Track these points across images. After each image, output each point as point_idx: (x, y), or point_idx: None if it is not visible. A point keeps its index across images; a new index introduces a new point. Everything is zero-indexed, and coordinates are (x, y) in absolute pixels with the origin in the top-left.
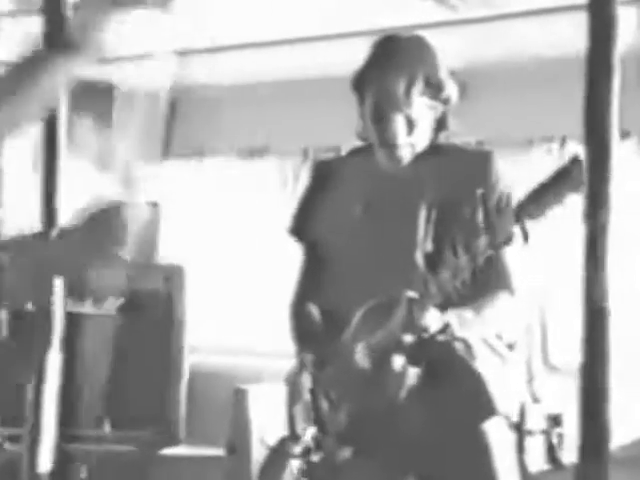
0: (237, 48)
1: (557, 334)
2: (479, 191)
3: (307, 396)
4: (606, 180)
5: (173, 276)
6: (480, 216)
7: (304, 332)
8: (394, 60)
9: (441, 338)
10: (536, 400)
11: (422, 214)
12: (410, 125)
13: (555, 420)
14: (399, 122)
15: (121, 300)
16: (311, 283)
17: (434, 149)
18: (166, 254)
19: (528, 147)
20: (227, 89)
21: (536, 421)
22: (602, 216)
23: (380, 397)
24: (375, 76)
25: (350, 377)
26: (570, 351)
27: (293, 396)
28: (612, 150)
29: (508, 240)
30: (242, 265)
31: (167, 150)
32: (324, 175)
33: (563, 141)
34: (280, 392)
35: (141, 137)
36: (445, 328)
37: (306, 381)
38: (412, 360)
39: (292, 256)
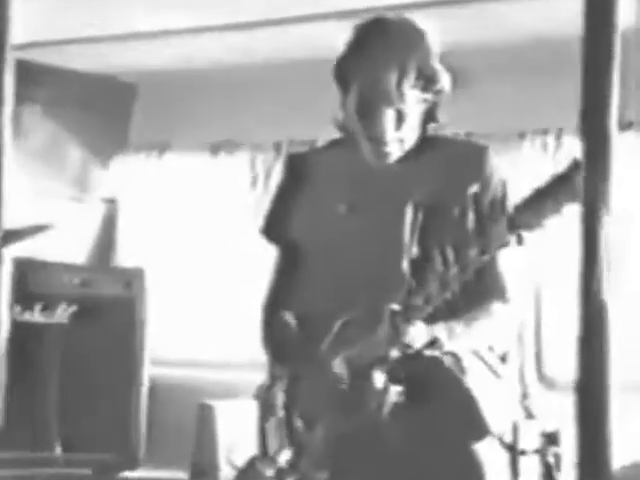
0: (204, 30)
1: (553, 344)
2: (472, 191)
3: (280, 413)
4: (605, 177)
5: (133, 281)
6: (472, 219)
7: (277, 342)
8: (384, 48)
9: (428, 353)
10: (530, 417)
11: (408, 215)
12: (400, 120)
13: (551, 438)
14: (389, 117)
15: (74, 307)
16: (285, 288)
17: (423, 143)
18: (125, 256)
19: (520, 141)
20: (193, 75)
21: (530, 440)
22: (601, 217)
23: (360, 416)
24: (363, 65)
25: (327, 394)
26: (567, 363)
27: (265, 413)
28: (612, 144)
29: (502, 246)
30: (209, 269)
31: (126, 143)
32: (300, 170)
33: (559, 134)
34: (250, 408)
35: (96, 128)
36: (433, 343)
37: (279, 396)
38: (394, 376)
39: (264, 259)
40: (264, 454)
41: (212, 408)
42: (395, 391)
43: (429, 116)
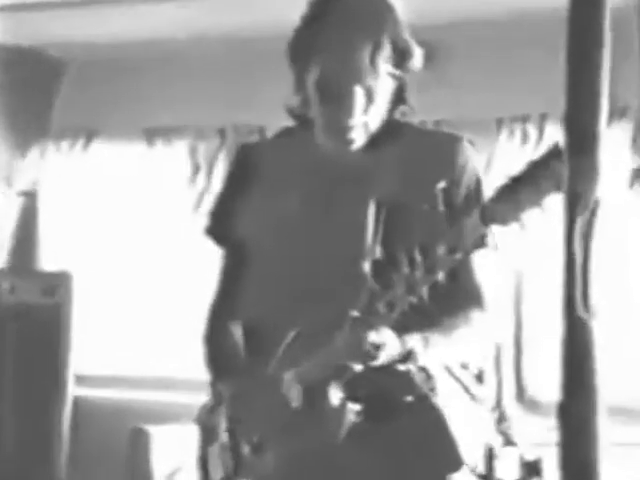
0: (141, 0)
1: (534, 361)
2: (441, 185)
3: (224, 437)
4: (592, 171)
5: (57, 286)
6: (441, 216)
7: (221, 357)
8: (354, 20)
9: (398, 367)
10: (509, 443)
11: (371, 212)
12: (369, 100)
13: (532, 468)
14: (357, 97)
15: None
16: (232, 295)
17: (390, 129)
18: (48, 259)
19: (497, 129)
20: (126, 51)
21: (509, 469)
22: (586, 216)
23: (314, 439)
24: (327, 41)
25: (277, 414)
26: (550, 382)
27: (207, 437)
28: (600, 134)
29: (476, 245)
30: (144, 273)
31: (48, 128)
32: (250, 162)
33: (542, 121)
34: (190, 433)
35: (14, 110)
36: (407, 355)
37: (222, 419)
38: (353, 394)
39: (208, 262)
40: None
41: (146, 433)
42: (353, 410)
43: (397, 97)
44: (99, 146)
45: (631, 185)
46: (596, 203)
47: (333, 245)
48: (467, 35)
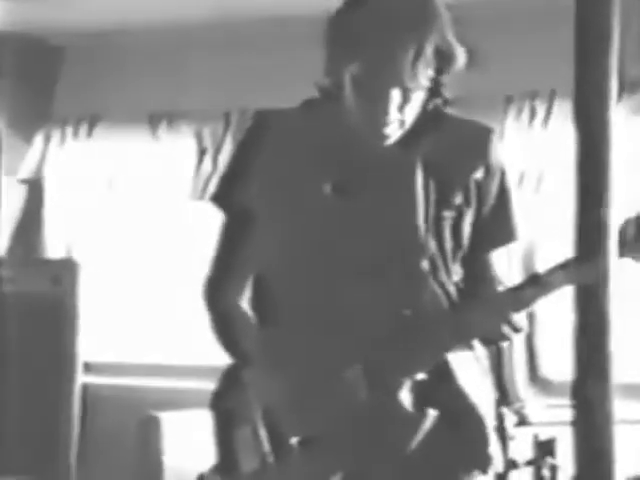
0: None
1: (547, 341)
2: (476, 174)
3: (256, 423)
4: (603, 162)
5: (63, 275)
6: (475, 208)
7: (234, 332)
8: (399, 17)
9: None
10: (523, 423)
11: (420, 205)
12: (405, 101)
13: (546, 448)
14: (395, 99)
15: None
16: (234, 268)
17: (424, 120)
18: (53, 247)
19: (505, 106)
20: (129, 36)
21: (522, 450)
22: (598, 211)
23: (381, 443)
24: (371, 36)
25: (335, 411)
26: (564, 362)
27: (228, 421)
28: (610, 120)
29: (506, 243)
30: (150, 260)
31: (50, 116)
32: (270, 130)
33: (551, 97)
34: (202, 420)
35: (16, 98)
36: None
37: (247, 403)
38: (427, 397)
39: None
40: (228, 466)
41: (157, 420)
42: (431, 416)
43: (434, 93)
44: (103, 132)
45: None
46: None
47: (385, 239)
48: (474, 12)
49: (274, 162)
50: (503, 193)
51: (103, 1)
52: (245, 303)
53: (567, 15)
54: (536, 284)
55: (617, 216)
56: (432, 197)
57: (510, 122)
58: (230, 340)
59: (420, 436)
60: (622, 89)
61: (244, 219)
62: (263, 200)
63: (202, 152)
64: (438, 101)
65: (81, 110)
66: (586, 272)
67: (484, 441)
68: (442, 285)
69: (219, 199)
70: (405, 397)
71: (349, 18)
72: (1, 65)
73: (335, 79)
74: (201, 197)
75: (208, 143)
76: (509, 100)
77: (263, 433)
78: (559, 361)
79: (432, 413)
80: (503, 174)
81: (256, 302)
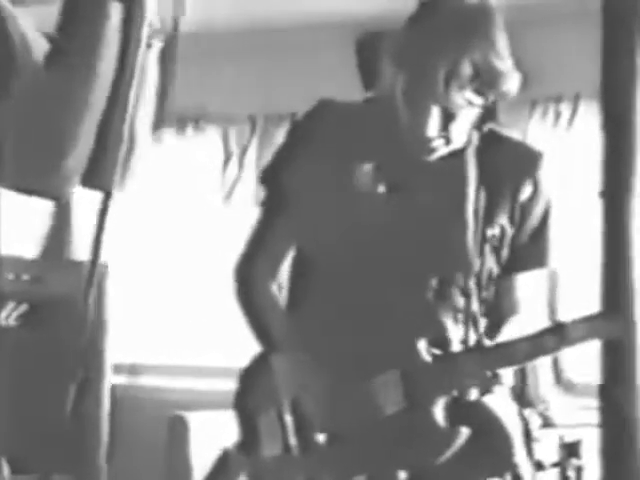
0: None
1: None
2: (523, 197)
3: (279, 408)
4: (630, 153)
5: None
6: (515, 232)
7: (263, 313)
8: (441, 38)
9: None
10: (548, 425)
11: (470, 217)
12: (447, 119)
13: (571, 450)
14: (432, 114)
15: (23, 307)
16: (269, 251)
17: (479, 139)
18: (81, 248)
19: (530, 110)
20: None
21: (548, 451)
22: (624, 198)
23: (408, 459)
24: (416, 53)
25: (363, 417)
26: (589, 363)
27: (258, 400)
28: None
29: (537, 267)
30: (178, 262)
31: None
32: (329, 117)
33: (576, 101)
34: (230, 420)
35: None
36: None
37: (277, 389)
38: (461, 414)
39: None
40: (249, 442)
41: (185, 421)
42: (464, 434)
43: (486, 117)
44: None
45: None
46: None
47: (424, 245)
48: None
49: (327, 150)
50: (545, 219)
51: None
52: (275, 286)
53: (594, 18)
54: (559, 334)
55: None
56: (480, 215)
57: (534, 125)
58: (258, 322)
59: (451, 453)
60: None
61: (284, 200)
62: (310, 184)
63: (228, 155)
64: (490, 124)
65: None
66: (612, 327)
67: (509, 450)
68: (469, 304)
69: (265, 176)
70: (439, 412)
71: (405, 34)
72: None
73: (390, 87)
74: (227, 200)
75: (234, 146)
76: (534, 104)
77: (290, 422)
78: (584, 363)
79: (464, 431)
80: (549, 200)
81: (292, 286)
